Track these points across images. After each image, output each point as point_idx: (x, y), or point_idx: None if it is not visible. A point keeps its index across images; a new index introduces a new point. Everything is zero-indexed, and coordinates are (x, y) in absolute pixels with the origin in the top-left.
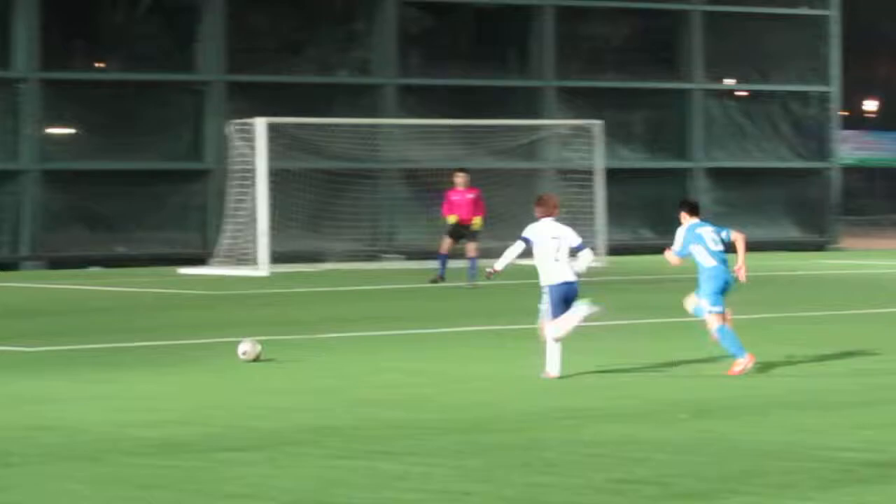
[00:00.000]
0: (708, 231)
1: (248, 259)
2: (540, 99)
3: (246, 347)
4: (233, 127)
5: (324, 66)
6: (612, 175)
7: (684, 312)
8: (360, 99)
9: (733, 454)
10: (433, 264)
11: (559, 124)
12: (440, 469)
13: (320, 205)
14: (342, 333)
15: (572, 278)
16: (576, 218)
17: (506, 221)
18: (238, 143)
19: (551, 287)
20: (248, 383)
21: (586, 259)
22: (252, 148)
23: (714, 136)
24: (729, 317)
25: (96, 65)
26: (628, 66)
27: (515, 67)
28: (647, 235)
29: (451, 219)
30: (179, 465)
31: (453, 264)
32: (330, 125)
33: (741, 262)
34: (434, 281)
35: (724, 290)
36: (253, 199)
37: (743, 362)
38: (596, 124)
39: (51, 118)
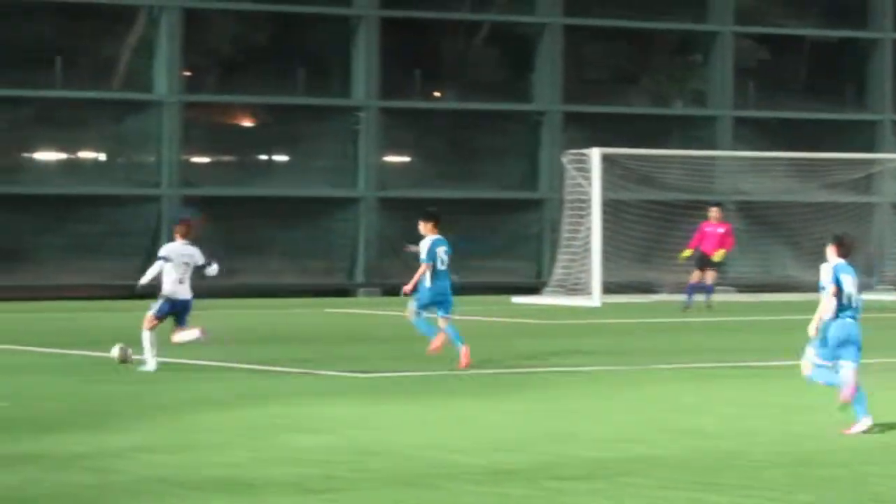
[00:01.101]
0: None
1: (580, 289)
2: (876, 132)
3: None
4: (568, 157)
5: (658, 97)
6: None
7: None
8: (694, 130)
9: None
10: (766, 297)
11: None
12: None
13: (653, 236)
14: (670, 365)
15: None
16: None
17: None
18: (573, 173)
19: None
20: (575, 413)
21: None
22: (587, 178)
23: None
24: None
25: (434, 94)
26: None
27: (852, 100)
28: None
29: (688, 253)
30: (508, 493)
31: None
32: (664, 156)
33: None
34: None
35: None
36: (586, 230)
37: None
38: None
39: (388, 146)
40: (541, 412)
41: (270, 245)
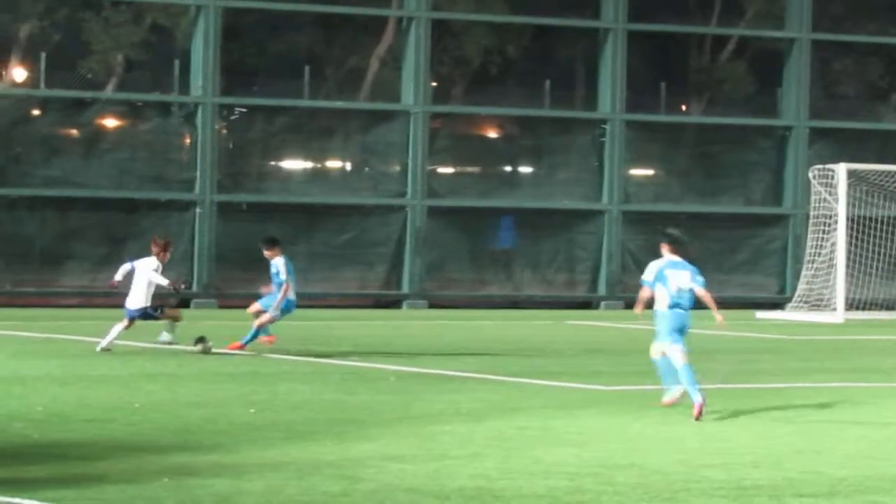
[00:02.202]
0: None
1: (824, 304)
2: None
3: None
4: (814, 172)
5: None
6: None
7: None
8: None
9: None
10: None
11: None
12: None
13: None
14: None
15: None
16: None
17: None
18: (818, 188)
19: None
20: (818, 429)
21: None
22: (832, 194)
23: None
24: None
25: (680, 107)
26: None
27: None
28: None
29: None
30: None
31: None
32: None
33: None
34: None
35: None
36: (831, 245)
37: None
38: None
39: (633, 159)
40: (784, 429)
41: (514, 257)
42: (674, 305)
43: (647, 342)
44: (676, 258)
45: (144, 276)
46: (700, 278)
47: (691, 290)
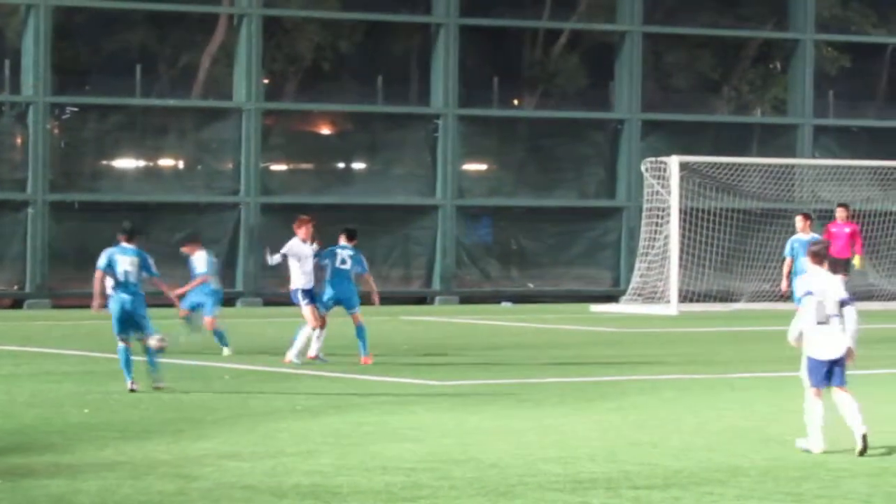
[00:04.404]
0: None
1: (658, 297)
2: None
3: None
4: (647, 165)
5: (739, 105)
6: None
7: None
8: (775, 138)
9: None
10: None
11: None
12: None
13: (732, 244)
14: (750, 374)
15: None
16: None
17: None
18: (651, 181)
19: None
20: (654, 422)
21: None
22: (665, 186)
23: None
24: None
25: (513, 102)
26: None
27: None
28: None
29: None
30: (590, 502)
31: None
32: (744, 164)
33: None
34: None
35: None
36: (665, 238)
37: None
38: None
39: (467, 154)
40: (620, 421)
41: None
42: None
43: (483, 336)
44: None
45: None
46: None
47: None
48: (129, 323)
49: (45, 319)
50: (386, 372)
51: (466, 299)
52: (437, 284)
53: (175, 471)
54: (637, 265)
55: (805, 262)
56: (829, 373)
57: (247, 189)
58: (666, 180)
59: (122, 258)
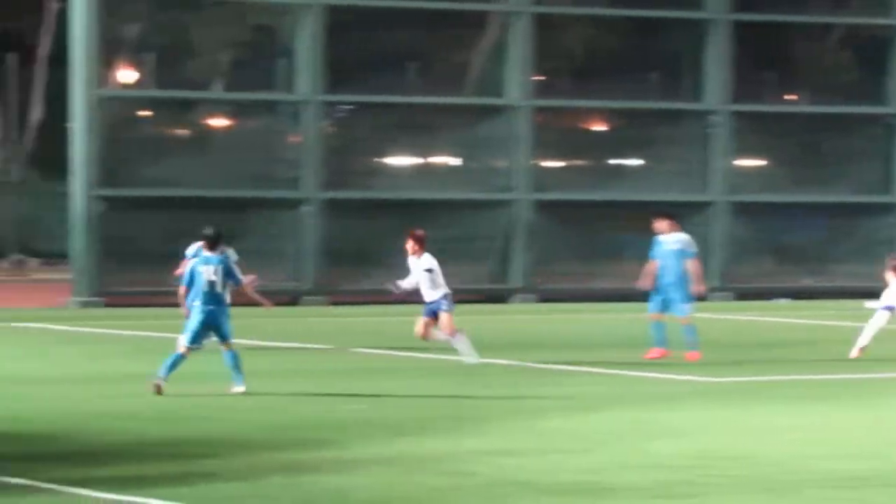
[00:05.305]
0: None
1: None
2: None
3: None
4: None
5: None
6: None
7: None
8: None
9: None
10: None
11: None
12: None
13: None
14: None
15: None
16: None
17: None
18: None
19: None
20: None
21: None
22: None
23: None
24: None
25: (786, 97)
26: None
27: None
28: None
29: None
30: (865, 499)
31: None
32: None
33: None
34: None
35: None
36: None
37: None
38: None
39: (740, 150)
40: (892, 419)
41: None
42: None
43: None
44: None
45: None
46: None
47: None
48: (208, 334)
49: (320, 316)
50: (660, 369)
51: (741, 296)
52: (713, 281)
53: (449, 467)
54: None
55: None
56: None
57: (520, 186)
58: None
59: (206, 268)
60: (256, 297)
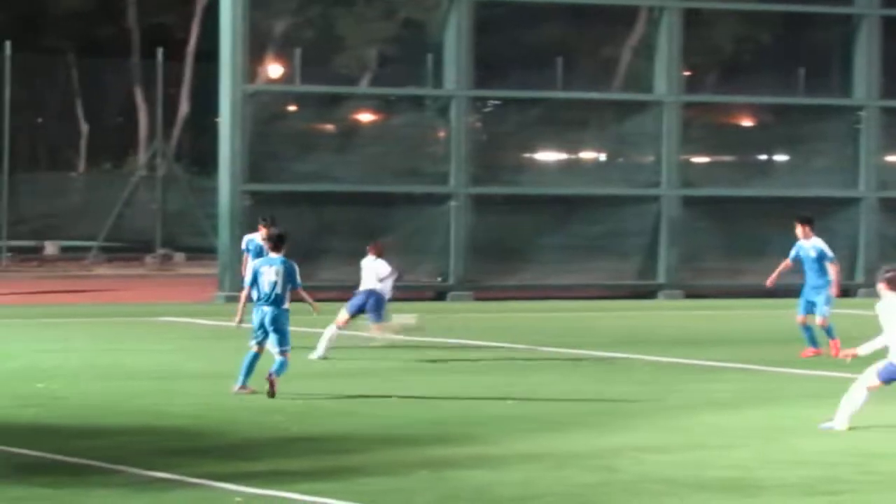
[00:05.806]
0: None
1: None
2: None
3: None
4: None
5: None
6: None
7: None
8: None
9: None
10: None
11: None
12: None
13: None
14: None
15: None
16: None
17: None
18: None
19: None
20: None
21: None
22: None
23: None
24: None
25: None
26: None
27: None
28: None
29: None
30: None
31: None
32: None
33: None
34: None
35: None
36: None
37: None
38: None
39: (889, 146)
40: None
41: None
42: None
43: None
44: None
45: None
46: None
47: None
48: (268, 334)
49: (467, 311)
50: (806, 366)
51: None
52: (860, 277)
53: (596, 462)
54: None
55: None
56: None
57: (667, 181)
58: None
59: (268, 269)
60: (308, 298)
